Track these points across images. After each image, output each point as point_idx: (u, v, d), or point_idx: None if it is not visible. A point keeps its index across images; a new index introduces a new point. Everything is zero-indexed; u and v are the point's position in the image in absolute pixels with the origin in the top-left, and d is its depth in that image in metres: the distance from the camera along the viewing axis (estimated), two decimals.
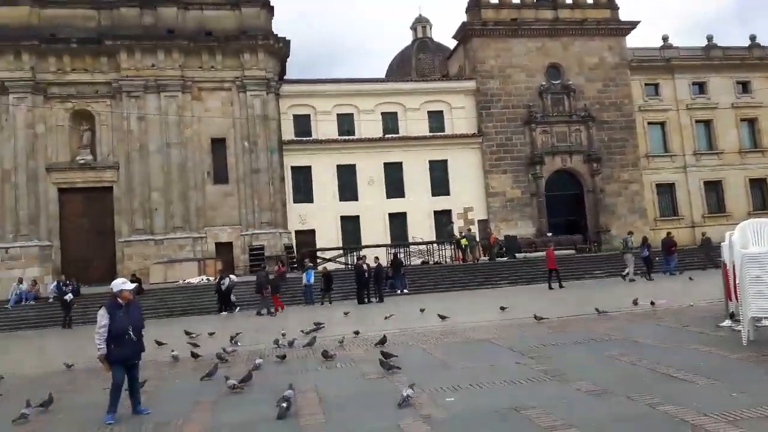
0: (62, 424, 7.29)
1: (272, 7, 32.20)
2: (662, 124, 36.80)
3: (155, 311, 21.63)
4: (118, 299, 7.30)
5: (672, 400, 6.12)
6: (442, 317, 14.26)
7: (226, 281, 22.18)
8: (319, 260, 28.54)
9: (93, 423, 7.06)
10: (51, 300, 23.62)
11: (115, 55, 29.62)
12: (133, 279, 24.17)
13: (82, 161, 29.63)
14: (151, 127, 29.73)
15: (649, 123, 36.53)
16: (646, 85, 36.62)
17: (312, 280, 23.00)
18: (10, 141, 28.47)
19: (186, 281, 26.43)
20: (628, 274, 23.42)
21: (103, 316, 7.11)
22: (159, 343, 12.72)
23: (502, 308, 15.15)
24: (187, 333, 14.39)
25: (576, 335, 11.01)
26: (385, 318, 14.91)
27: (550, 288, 21.97)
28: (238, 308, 21.90)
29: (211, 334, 14.49)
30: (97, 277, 27.48)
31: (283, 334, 12.84)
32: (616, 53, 35.87)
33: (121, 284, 7.50)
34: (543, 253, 25.30)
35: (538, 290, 21.96)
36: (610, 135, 35.12)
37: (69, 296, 21.22)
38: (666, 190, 36.62)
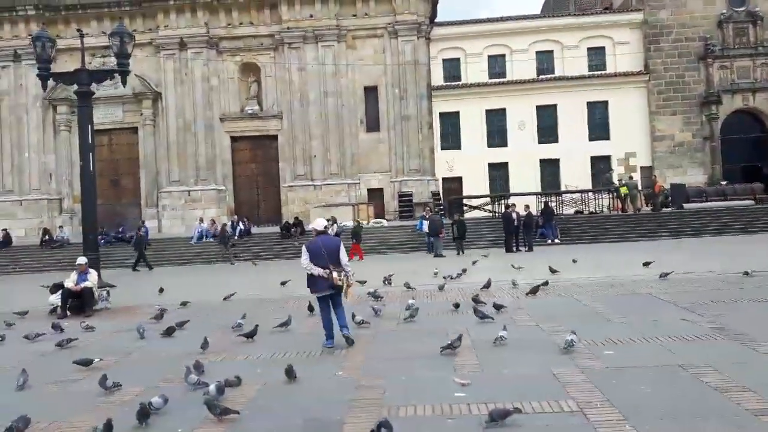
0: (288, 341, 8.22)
1: None
2: None
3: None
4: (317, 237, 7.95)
5: None
6: (647, 264, 13.95)
7: (335, 227, 23.36)
8: (465, 208, 28.56)
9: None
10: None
11: (277, 7, 31.13)
12: (296, 221, 26.14)
13: (250, 111, 32.03)
14: (310, 77, 31.13)
15: None
16: None
17: (425, 228, 22.72)
18: (190, 93, 31.48)
19: (342, 224, 27.89)
20: None
21: (303, 253, 7.85)
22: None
23: (646, 263, 14.18)
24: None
25: (760, 291, 10.04)
26: (551, 270, 13.71)
27: None
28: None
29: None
30: (264, 219, 30.11)
31: (435, 273, 13.23)
32: None
33: (320, 224, 8.23)
34: (715, 204, 23.05)
35: (706, 243, 20.17)
36: None
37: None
38: None
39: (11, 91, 31.88)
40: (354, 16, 31.32)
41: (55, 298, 12.04)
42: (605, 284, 12.14)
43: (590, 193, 28.81)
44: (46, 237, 27.47)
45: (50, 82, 15.26)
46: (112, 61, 15.42)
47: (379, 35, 31.45)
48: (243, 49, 31.91)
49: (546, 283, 11.74)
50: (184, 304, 11.85)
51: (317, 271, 7.66)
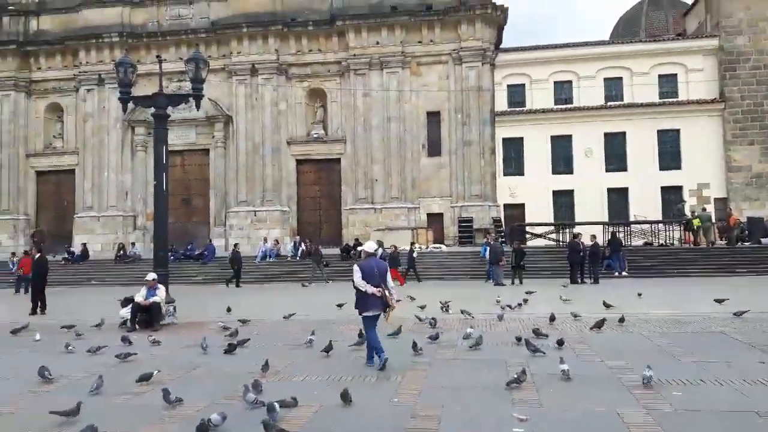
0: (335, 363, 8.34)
1: None
2: None
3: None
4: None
5: None
6: (720, 301, 13.05)
7: (379, 251, 23.43)
8: (528, 236, 28.03)
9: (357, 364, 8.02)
10: (289, 258, 27.06)
11: (345, 34, 31.93)
12: (356, 243, 26.40)
13: (315, 135, 32.81)
14: (374, 102, 31.64)
15: None
16: None
17: (487, 255, 22.51)
18: (259, 117, 32.59)
19: (401, 248, 27.91)
20: None
21: (356, 272, 8.02)
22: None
23: (719, 300, 13.20)
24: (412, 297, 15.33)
25: None
26: (605, 304, 13.28)
27: None
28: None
29: (416, 301, 15.21)
30: (325, 240, 30.52)
31: (498, 301, 13.01)
32: None
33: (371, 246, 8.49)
34: None
35: None
36: None
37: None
38: None
39: (95, 113, 33.96)
40: (419, 43, 31.71)
41: (126, 312, 12.57)
42: (675, 321, 11.58)
43: (660, 225, 27.69)
44: (120, 252, 28.89)
45: (130, 105, 16.14)
46: (187, 86, 16.19)
47: (443, 61, 31.67)
48: (311, 75, 32.85)
49: (622, 319, 11.18)
50: (243, 321, 12.13)
51: (372, 289, 7.83)
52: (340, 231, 31.56)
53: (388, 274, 8.11)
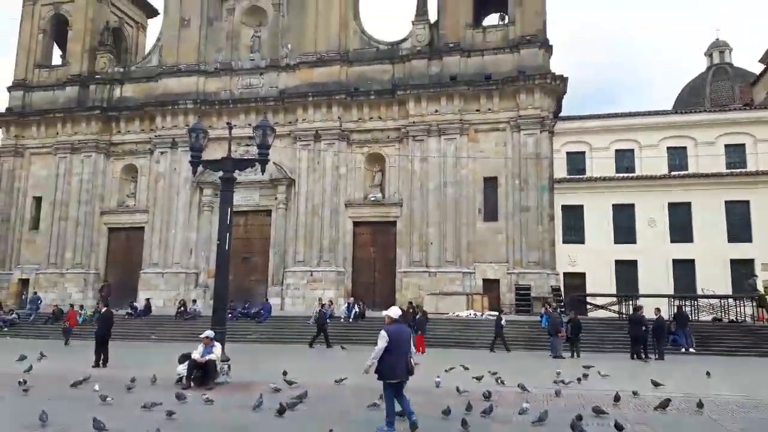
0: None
1: (551, 46, 32.31)
2: None
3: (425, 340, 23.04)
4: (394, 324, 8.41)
5: None
6: None
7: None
8: (589, 307, 27.12)
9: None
10: (342, 320, 27.02)
11: (405, 103, 32.91)
12: (410, 307, 26.19)
13: (372, 198, 33.42)
14: (431, 167, 32.09)
15: None
16: None
17: (546, 325, 21.95)
18: (320, 180, 33.59)
19: (455, 314, 27.55)
20: None
21: (383, 338, 8.07)
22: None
23: None
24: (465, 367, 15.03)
25: None
26: (653, 383, 12.61)
27: None
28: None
29: (472, 372, 14.86)
30: (379, 303, 30.41)
31: (558, 374, 12.58)
32: None
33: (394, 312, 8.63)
34: None
35: None
36: None
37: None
38: None
39: (166, 173, 35.88)
40: (477, 111, 32.23)
41: (183, 368, 12.85)
42: (747, 404, 10.84)
43: (730, 300, 26.27)
44: (181, 309, 29.70)
45: (199, 167, 17.02)
46: (254, 150, 16.96)
47: (501, 129, 31.95)
48: (370, 141, 33.80)
49: (700, 404, 10.30)
50: (290, 383, 12.16)
51: (395, 356, 8.04)
52: (394, 294, 31.45)
53: (412, 340, 8.46)
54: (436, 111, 32.35)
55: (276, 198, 34.32)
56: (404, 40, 34.36)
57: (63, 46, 40.60)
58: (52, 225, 36.68)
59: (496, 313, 27.33)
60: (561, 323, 21.15)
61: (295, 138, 34.17)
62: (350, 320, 27.16)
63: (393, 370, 7.93)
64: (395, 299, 30.59)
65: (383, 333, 8.10)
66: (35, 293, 33.73)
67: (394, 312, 8.51)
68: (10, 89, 39.40)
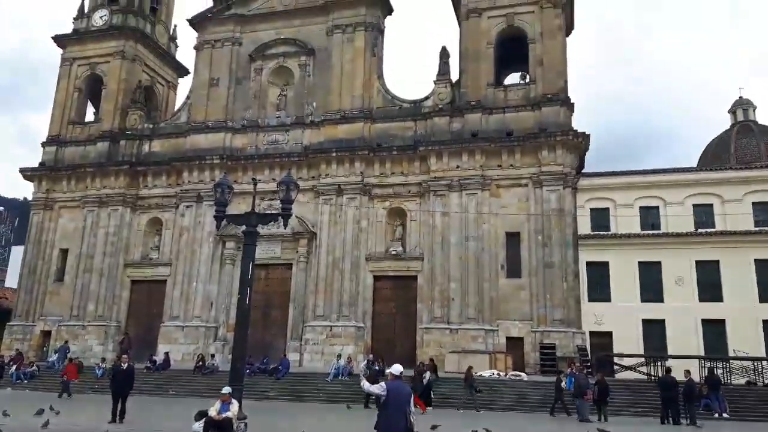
0: None
1: (572, 104, 32.59)
2: None
3: (445, 400, 22.43)
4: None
5: None
6: None
7: (427, 375, 23.03)
8: (616, 367, 26.28)
9: None
10: (363, 377, 26.38)
11: (427, 159, 33.21)
12: (431, 365, 25.62)
13: (393, 252, 33.32)
14: (453, 221, 32.00)
15: None
16: None
17: (571, 387, 21.19)
18: (341, 233, 33.68)
19: (478, 374, 26.81)
20: None
21: (381, 387, 8.33)
22: None
23: None
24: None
25: None
26: None
27: None
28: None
29: None
30: (398, 359, 29.56)
31: None
32: None
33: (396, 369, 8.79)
34: None
35: None
36: None
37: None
38: None
39: (191, 227, 36.32)
40: (499, 166, 32.33)
41: (198, 426, 12.63)
42: None
43: (764, 362, 25.25)
44: (200, 363, 29.46)
45: (223, 221, 17.21)
46: (277, 204, 17.18)
47: (523, 184, 31.93)
48: (392, 195, 34.00)
49: None
50: None
51: (372, 388, 8.42)
52: (415, 350, 30.84)
53: (412, 398, 8.46)
54: (458, 166, 32.54)
55: (297, 251, 34.40)
56: (426, 98, 35.01)
57: (96, 104, 42.15)
58: (76, 277, 37.12)
59: (520, 374, 26.66)
60: (587, 385, 20.47)
61: (318, 192, 34.53)
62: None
63: (389, 426, 8.08)
64: (416, 356, 30.00)
65: (383, 384, 8.42)
66: (66, 342, 33.98)
67: (396, 369, 8.73)
68: (44, 144, 40.78)
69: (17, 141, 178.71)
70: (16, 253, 54.48)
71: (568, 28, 36.47)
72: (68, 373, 25.86)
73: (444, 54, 35.03)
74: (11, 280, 52.40)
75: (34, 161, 41.89)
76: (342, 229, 33.69)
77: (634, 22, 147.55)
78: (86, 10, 43.18)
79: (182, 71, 46.85)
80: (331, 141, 34.96)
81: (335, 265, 33.25)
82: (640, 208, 31.10)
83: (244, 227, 15.68)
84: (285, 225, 16.45)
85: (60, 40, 42.50)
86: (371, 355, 29.11)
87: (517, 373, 26.94)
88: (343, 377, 26.76)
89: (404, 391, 8.43)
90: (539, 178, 31.37)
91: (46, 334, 36.83)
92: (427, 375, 23.35)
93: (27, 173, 40.19)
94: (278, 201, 16.71)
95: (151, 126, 40.20)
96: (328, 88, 36.27)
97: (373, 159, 34.25)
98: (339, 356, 28.52)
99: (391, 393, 8.16)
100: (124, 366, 16.92)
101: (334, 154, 34.38)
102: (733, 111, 46.08)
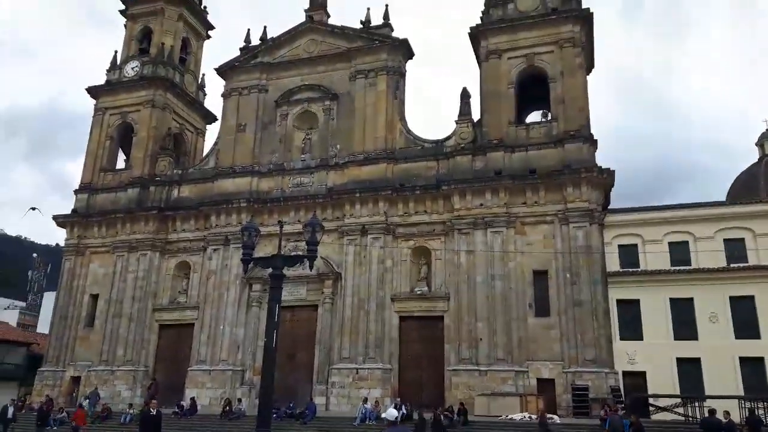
0: None
1: (596, 141, 32.52)
2: None
3: None
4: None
5: None
6: None
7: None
8: (652, 409, 25.39)
9: None
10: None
11: (450, 197, 33.28)
12: (461, 408, 25.07)
13: (419, 292, 33.10)
14: (478, 260, 31.74)
15: None
16: None
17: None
18: (366, 274, 33.64)
19: (508, 417, 26.19)
20: None
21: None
22: None
23: None
24: None
25: None
26: None
27: None
28: None
29: None
30: (426, 403, 29.20)
31: None
32: None
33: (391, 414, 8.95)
34: None
35: None
36: None
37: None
38: None
39: (218, 270, 36.68)
40: (523, 204, 32.19)
41: None
42: None
43: None
44: (227, 408, 29.28)
45: (250, 264, 17.35)
46: (303, 245, 17.29)
47: (548, 221, 31.67)
48: (416, 235, 34.00)
49: None
50: None
51: None
52: (443, 393, 30.26)
53: None
54: (482, 204, 32.50)
55: (323, 292, 34.41)
56: (448, 138, 35.32)
57: (127, 151, 43.39)
58: (106, 322, 37.58)
59: (553, 416, 25.94)
60: (622, 427, 19.82)
61: (343, 233, 34.72)
62: (398, 422, 26.05)
63: None
64: (444, 399, 29.47)
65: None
66: (96, 388, 34.19)
67: (390, 414, 8.82)
68: (76, 192, 41.99)
69: (51, 188, 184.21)
70: (48, 299, 55.46)
71: (588, 66, 36.70)
72: (77, 419, 26.07)
73: (465, 95, 35.49)
74: (43, 326, 53.25)
75: (67, 208, 43.15)
76: (367, 270, 33.68)
77: (653, 58, 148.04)
78: (119, 62, 44.95)
79: (210, 118, 48.18)
80: (355, 182, 35.34)
81: (360, 306, 33.12)
82: (669, 243, 30.48)
83: (270, 270, 15.77)
84: (311, 267, 16.47)
85: (93, 91, 44.17)
86: (398, 399, 28.72)
87: (550, 416, 26.17)
88: (370, 421, 26.34)
89: None
90: (565, 215, 31.10)
91: (76, 380, 37.14)
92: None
93: (60, 220, 41.23)
94: (303, 242, 16.83)
95: (180, 172, 41.18)
96: (352, 130, 36.88)
97: (397, 199, 34.45)
98: (365, 400, 28.12)
99: None
100: (153, 412, 16.94)
101: (357, 195, 34.69)
102: (761, 144, 45.44)
